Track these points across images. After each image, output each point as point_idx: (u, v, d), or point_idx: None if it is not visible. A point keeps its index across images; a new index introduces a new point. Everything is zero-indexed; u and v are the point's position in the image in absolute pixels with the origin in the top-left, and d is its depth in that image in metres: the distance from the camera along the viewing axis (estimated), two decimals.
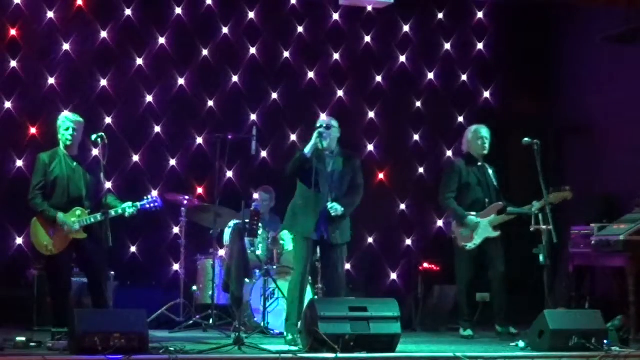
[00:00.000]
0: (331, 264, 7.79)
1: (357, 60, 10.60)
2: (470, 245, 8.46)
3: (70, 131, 7.73)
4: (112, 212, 7.74)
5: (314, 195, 7.69)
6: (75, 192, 7.73)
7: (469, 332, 8.45)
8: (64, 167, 7.73)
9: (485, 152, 8.61)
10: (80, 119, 7.83)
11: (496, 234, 8.44)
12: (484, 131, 8.63)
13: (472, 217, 8.45)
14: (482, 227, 8.44)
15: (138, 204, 7.88)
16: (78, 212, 7.71)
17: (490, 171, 8.64)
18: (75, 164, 7.80)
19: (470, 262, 8.51)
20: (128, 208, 7.79)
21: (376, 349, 6.91)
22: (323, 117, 8.07)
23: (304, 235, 7.72)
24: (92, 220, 7.66)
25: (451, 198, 8.57)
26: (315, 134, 7.72)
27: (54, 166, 7.71)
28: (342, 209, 7.77)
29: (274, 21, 10.35)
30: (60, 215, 7.64)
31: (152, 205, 7.94)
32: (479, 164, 8.62)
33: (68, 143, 7.73)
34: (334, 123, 7.88)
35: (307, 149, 7.70)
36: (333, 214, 7.73)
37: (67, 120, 7.77)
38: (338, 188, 7.81)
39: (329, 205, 7.73)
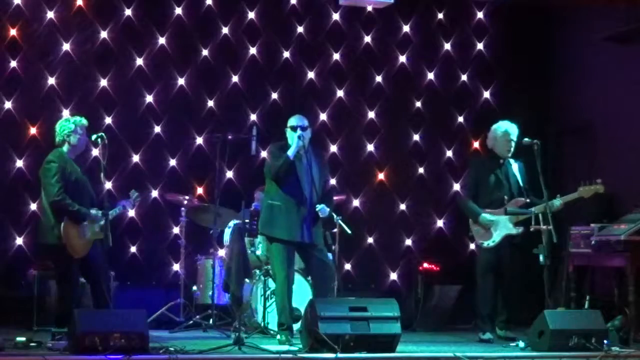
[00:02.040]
0: (317, 262, 7.80)
1: (357, 60, 10.60)
2: (488, 243, 8.30)
3: (82, 137, 7.76)
4: (113, 213, 7.84)
5: (296, 197, 7.67)
6: (89, 193, 7.76)
7: (488, 336, 8.22)
8: (76, 169, 7.72)
9: (510, 154, 8.45)
10: (86, 123, 7.86)
11: (517, 230, 8.23)
12: (513, 131, 8.43)
13: (486, 215, 8.30)
14: (501, 224, 8.27)
15: (121, 205, 8.04)
16: (94, 212, 7.69)
17: (516, 168, 8.43)
18: (77, 166, 7.81)
19: (490, 261, 8.32)
20: (118, 211, 7.97)
21: (376, 349, 6.92)
22: (296, 117, 7.99)
23: (288, 238, 7.69)
24: (110, 217, 7.65)
25: (467, 197, 8.50)
26: (296, 137, 7.73)
27: (69, 169, 7.68)
28: (329, 210, 7.80)
29: (274, 21, 10.34)
30: (93, 210, 7.63)
31: (136, 201, 8.14)
32: (501, 161, 8.45)
33: (77, 146, 7.74)
34: (307, 122, 7.91)
35: (291, 152, 7.71)
36: (322, 216, 7.74)
37: (75, 124, 7.77)
38: (318, 188, 7.81)
39: (318, 207, 7.72)
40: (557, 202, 8.12)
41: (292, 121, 7.93)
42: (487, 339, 8.19)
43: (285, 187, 7.74)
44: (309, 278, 8.55)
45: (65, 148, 7.77)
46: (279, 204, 7.75)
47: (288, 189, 7.73)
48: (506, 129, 8.45)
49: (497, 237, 8.30)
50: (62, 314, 7.56)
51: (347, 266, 10.23)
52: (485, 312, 8.33)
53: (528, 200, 8.26)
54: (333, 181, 8.35)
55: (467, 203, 8.49)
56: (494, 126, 8.54)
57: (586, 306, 8.75)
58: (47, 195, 7.58)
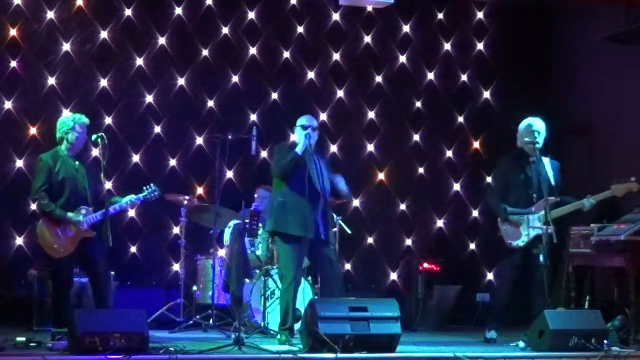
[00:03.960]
0: (327, 259, 7.79)
1: (357, 60, 10.60)
2: (517, 243, 8.09)
3: (81, 134, 7.75)
4: (116, 207, 7.83)
5: (307, 194, 7.63)
6: (82, 192, 7.75)
7: (492, 334, 8.13)
8: (67, 167, 7.73)
9: (538, 145, 8.13)
10: (87, 121, 7.86)
11: (547, 230, 7.78)
12: (537, 124, 8.20)
13: (513, 215, 8.07)
14: (530, 223, 8.04)
15: (140, 195, 7.98)
16: (83, 211, 7.70)
17: (549, 166, 8.18)
18: (77, 163, 7.81)
19: (515, 261, 8.12)
20: (130, 200, 7.90)
21: (376, 349, 6.91)
22: (307, 117, 7.98)
23: (303, 234, 7.66)
24: (99, 217, 7.65)
25: (494, 196, 8.28)
26: (303, 135, 7.73)
27: (59, 167, 7.70)
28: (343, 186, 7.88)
29: (274, 21, 10.35)
30: (70, 213, 7.65)
31: (152, 195, 8.05)
32: (531, 158, 8.17)
33: (75, 144, 7.75)
34: (316, 123, 7.94)
35: (299, 149, 7.69)
36: (341, 189, 7.81)
37: (74, 122, 7.78)
38: (326, 184, 7.83)
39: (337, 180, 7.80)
40: (588, 202, 8.04)
41: (303, 120, 7.91)
42: (491, 338, 8.10)
43: (294, 184, 7.69)
44: (309, 278, 8.57)
45: (63, 146, 7.80)
46: (291, 200, 7.71)
47: (297, 186, 7.67)
48: (529, 123, 8.23)
49: (525, 237, 8.10)
50: (60, 313, 7.58)
51: (347, 266, 10.23)
52: (497, 311, 8.24)
53: (558, 199, 8.01)
54: None
55: (494, 200, 8.27)
56: (520, 124, 8.32)
57: (586, 306, 8.74)
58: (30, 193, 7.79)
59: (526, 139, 8.17)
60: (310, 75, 10.43)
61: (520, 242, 8.13)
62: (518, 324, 8.30)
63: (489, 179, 10.61)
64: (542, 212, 7.92)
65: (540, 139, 8.19)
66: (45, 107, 9.55)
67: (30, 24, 9.58)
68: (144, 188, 8.08)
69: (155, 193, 8.09)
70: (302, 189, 7.64)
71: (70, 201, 7.71)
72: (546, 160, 8.22)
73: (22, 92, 9.53)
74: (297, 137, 7.87)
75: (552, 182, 8.12)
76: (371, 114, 10.61)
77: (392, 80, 10.68)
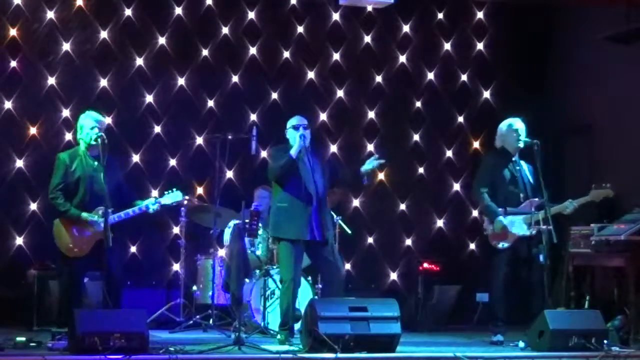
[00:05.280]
0: (326, 261, 7.77)
1: (357, 60, 10.60)
2: (503, 244, 8.08)
3: (96, 130, 7.65)
4: (136, 209, 7.73)
5: (300, 196, 7.65)
6: (98, 192, 7.60)
7: (499, 338, 8.02)
8: (85, 166, 7.69)
9: (521, 145, 8.18)
10: (99, 118, 7.80)
11: (532, 231, 7.92)
12: (517, 124, 8.23)
13: (502, 219, 8.02)
14: (516, 225, 8.03)
15: (160, 199, 7.88)
16: (101, 212, 7.61)
17: (526, 167, 8.21)
18: (96, 163, 7.70)
19: (505, 261, 8.08)
20: (151, 204, 7.80)
21: (376, 349, 6.92)
22: (296, 117, 7.97)
23: (296, 237, 7.68)
24: (117, 218, 7.60)
25: (484, 192, 8.18)
26: (298, 136, 7.73)
27: (75, 166, 7.66)
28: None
29: (274, 21, 10.34)
30: (84, 214, 7.61)
31: (173, 201, 7.95)
32: (513, 159, 8.22)
33: (93, 143, 7.66)
34: (307, 121, 7.96)
35: (294, 152, 7.70)
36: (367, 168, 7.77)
37: (92, 120, 7.74)
38: (322, 184, 7.81)
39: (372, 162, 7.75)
40: (571, 205, 8.03)
41: (294, 121, 7.94)
42: (497, 341, 8.01)
43: (288, 187, 7.74)
44: (309, 278, 8.57)
45: (82, 145, 7.77)
46: (285, 205, 7.75)
47: (291, 189, 7.72)
48: (510, 123, 8.27)
49: (511, 238, 8.06)
50: (64, 313, 7.55)
51: (347, 266, 10.23)
52: (500, 315, 8.12)
53: (544, 199, 7.93)
54: None
55: (486, 201, 8.17)
56: (500, 125, 8.38)
57: (586, 306, 8.74)
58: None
59: (519, 139, 8.20)
60: (310, 75, 10.43)
61: (506, 244, 8.10)
62: (518, 324, 8.31)
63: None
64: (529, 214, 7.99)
65: (523, 140, 8.23)
66: (45, 107, 9.55)
67: (30, 24, 9.58)
68: (166, 192, 7.98)
69: (179, 199, 7.96)
70: (294, 193, 7.70)
71: (86, 200, 7.66)
72: (523, 162, 8.26)
73: (22, 92, 9.53)
74: (291, 139, 7.87)
75: (533, 182, 8.14)
76: (371, 114, 10.61)
77: (392, 80, 10.68)
